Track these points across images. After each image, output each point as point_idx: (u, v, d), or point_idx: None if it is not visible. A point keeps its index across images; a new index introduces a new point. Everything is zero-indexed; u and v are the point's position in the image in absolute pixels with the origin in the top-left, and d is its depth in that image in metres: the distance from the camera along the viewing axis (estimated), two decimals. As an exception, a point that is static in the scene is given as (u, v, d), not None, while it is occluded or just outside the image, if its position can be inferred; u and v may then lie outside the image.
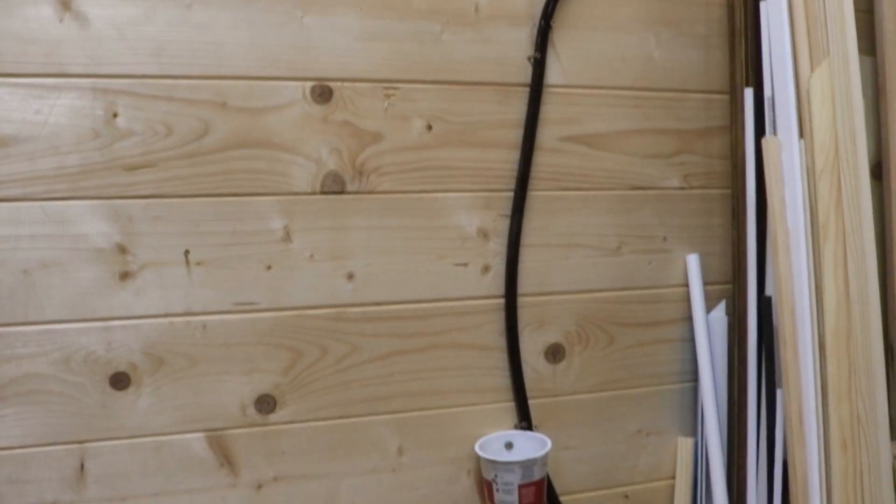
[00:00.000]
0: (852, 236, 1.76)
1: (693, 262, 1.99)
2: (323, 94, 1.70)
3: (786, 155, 1.80)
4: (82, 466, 1.62)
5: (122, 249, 1.61)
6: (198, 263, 1.66)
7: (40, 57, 1.55)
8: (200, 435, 1.69)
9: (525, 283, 1.86)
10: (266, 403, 1.71)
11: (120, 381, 1.63)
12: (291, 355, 1.72)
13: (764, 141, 1.83)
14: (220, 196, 1.66)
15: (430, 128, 1.77)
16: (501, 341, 1.86)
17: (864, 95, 1.79)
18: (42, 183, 1.56)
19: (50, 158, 1.57)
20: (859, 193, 1.77)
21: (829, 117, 1.77)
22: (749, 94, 1.93)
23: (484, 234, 1.83)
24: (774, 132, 1.84)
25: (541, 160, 1.86)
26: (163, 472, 1.67)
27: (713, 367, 1.96)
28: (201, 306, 1.66)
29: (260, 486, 1.73)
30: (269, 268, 1.69)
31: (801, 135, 1.79)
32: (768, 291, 1.90)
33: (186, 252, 1.65)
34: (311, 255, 1.71)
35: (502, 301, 1.85)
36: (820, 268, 1.77)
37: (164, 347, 1.65)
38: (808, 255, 1.78)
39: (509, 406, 1.88)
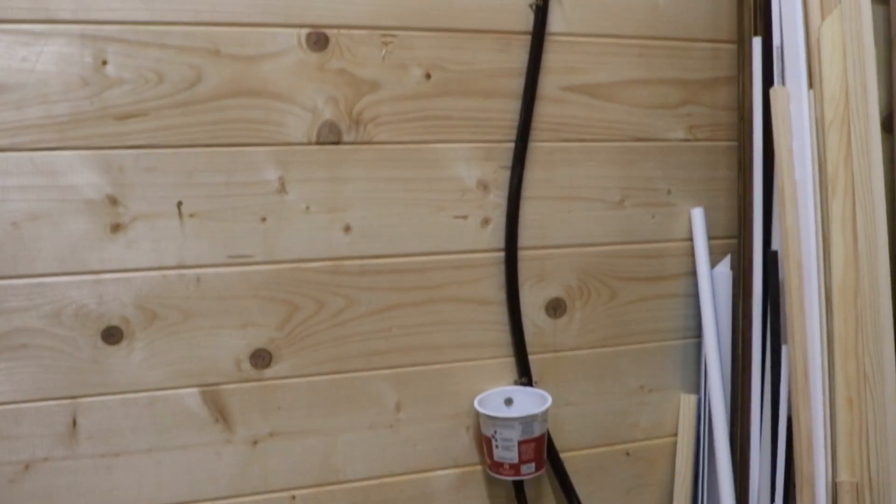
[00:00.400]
0: (861, 189, 1.73)
1: (697, 215, 1.96)
2: (318, 41, 1.66)
3: (794, 106, 1.77)
4: (74, 422, 1.60)
5: (113, 201, 1.58)
6: (191, 215, 1.62)
7: (26, 2, 1.51)
8: (194, 390, 1.66)
9: (525, 237, 1.83)
10: (261, 358, 1.69)
11: (112, 335, 1.61)
12: (287, 309, 1.69)
13: (772, 91, 1.80)
14: (213, 146, 1.62)
15: (428, 76, 1.73)
16: (501, 295, 1.83)
17: (876, 45, 1.76)
18: (30, 133, 1.53)
19: (38, 107, 1.53)
20: (869, 146, 1.74)
21: (839, 67, 1.74)
22: (757, 43, 1.89)
23: (484, 186, 1.79)
24: (783, 82, 1.81)
25: (542, 110, 1.82)
26: (156, 428, 1.65)
27: (717, 322, 1.94)
28: (195, 259, 1.63)
29: (255, 442, 1.71)
30: (263, 220, 1.66)
31: (811, 85, 1.76)
32: (774, 246, 1.88)
33: (179, 204, 1.62)
34: (307, 207, 1.68)
35: (502, 254, 1.82)
36: (828, 221, 1.75)
37: (156, 301, 1.62)
38: (815, 209, 1.76)
39: (509, 361, 1.86)
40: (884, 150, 1.76)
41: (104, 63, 1.55)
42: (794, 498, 1.82)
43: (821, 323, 1.76)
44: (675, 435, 2.02)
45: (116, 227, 1.59)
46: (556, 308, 1.88)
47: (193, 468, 1.68)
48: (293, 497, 1.75)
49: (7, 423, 1.57)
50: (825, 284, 1.76)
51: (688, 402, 2.01)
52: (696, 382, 2.02)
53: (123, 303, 1.60)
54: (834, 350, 1.75)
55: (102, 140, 1.56)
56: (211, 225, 1.63)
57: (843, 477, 1.74)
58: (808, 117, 1.75)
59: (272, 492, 1.73)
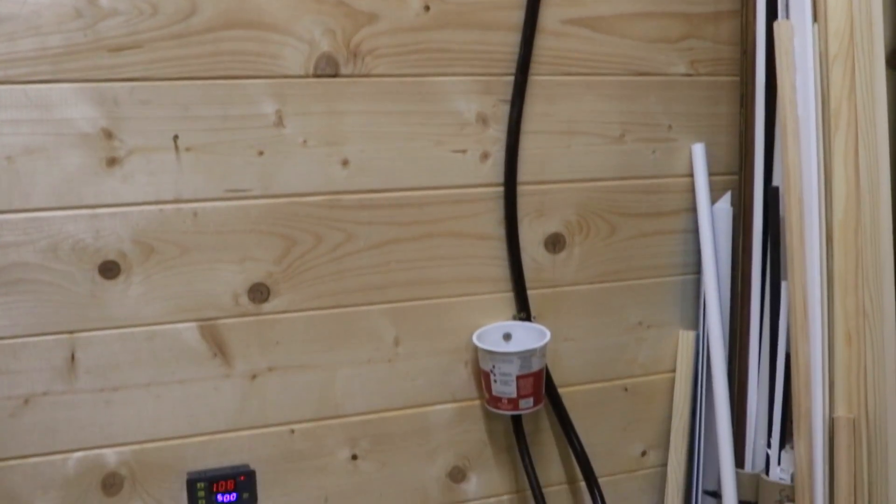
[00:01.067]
0: (865, 125, 1.72)
1: (698, 151, 1.94)
2: (315, -29, 1.64)
3: (798, 40, 1.75)
4: (73, 357, 1.60)
5: (109, 134, 1.56)
6: (187, 149, 1.61)
7: (17, -68, 1.49)
8: (193, 324, 1.66)
9: (525, 171, 1.82)
10: (259, 292, 1.68)
11: (109, 269, 1.60)
12: (285, 243, 1.68)
13: (776, 25, 1.78)
14: (209, 79, 1.60)
15: (427, 8, 1.71)
16: (500, 230, 1.82)
17: (882, -22, 1.74)
18: (23, 65, 1.50)
19: (31, 39, 1.50)
20: (873, 81, 1.72)
21: (844, 1, 1.71)
22: (761, -25, 1.86)
23: (483, 120, 1.77)
24: (787, 16, 1.79)
25: (542, 44, 1.80)
26: (155, 363, 1.65)
27: (717, 258, 1.93)
28: (191, 193, 1.62)
29: (254, 377, 1.71)
30: (260, 154, 1.64)
31: (815, 19, 1.74)
32: (775, 182, 1.87)
33: (175, 137, 1.60)
34: (305, 141, 1.67)
35: (501, 189, 1.81)
36: (830, 157, 1.74)
37: (153, 235, 1.61)
38: (818, 145, 1.75)
39: (508, 296, 1.85)
40: (888, 86, 1.74)
41: (98, -7, 1.53)
42: (791, 433, 1.83)
43: (821, 259, 1.76)
44: (674, 371, 2.03)
45: (112, 161, 1.57)
46: (555, 243, 1.87)
47: (192, 403, 1.68)
48: (292, 431, 1.75)
49: (6, 358, 1.57)
50: (826, 220, 1.75)
51: (686, 338, 2.00)
52: (695, 318, 2.02)
53: (120, 237, 1.59)
54: (833, 286, 1.75)
55: (97, 72, 1.54)
56: (208, 159, 1.62)
57: (841, 412, 1.75)
58: (811, 52, 1.74)
59: (271, 426, 1.74)
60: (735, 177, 1.98)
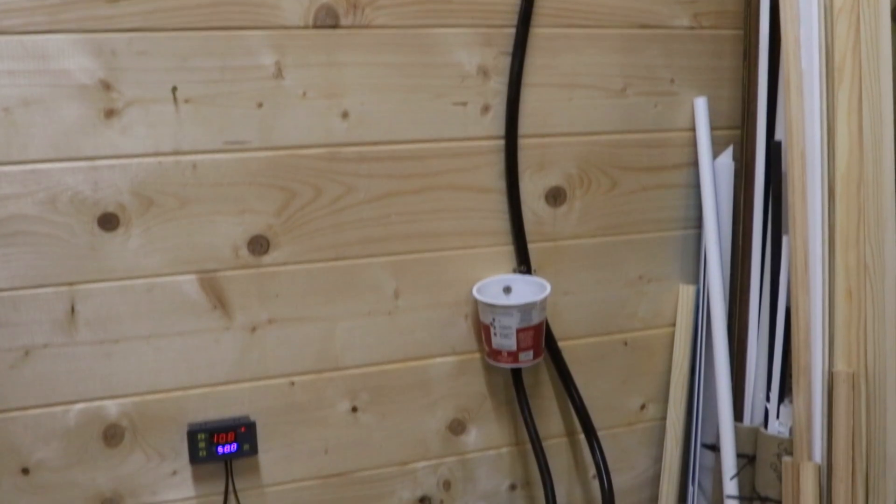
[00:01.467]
0: (868, 79, 1.71)
1: (701, 105, 1.93)
2: (315, -80, 1.62)
3: (802, -9, 1.73)
4: (73, 309, 1.60)
5: (107, 86, 1.55)
6: (186, 101, 1.59)
7: None
8: (192, 277, 1.66)
9: (526, 124, 1.81)
10: (259, 245, 1.68)
11: (108, 221, 1.59)
12: (284, 196, 1.67)
13: (780, -24, 1.75)
14: (207, 30, 1.59)
15: (428, -41, 1.69)
16: (501, 183, 1.81)
17: (888, -72, 1.72)
18: (20, 15, 1.49)
19: (27, -12, 1.49)
20: (878, 35, 1.71)
21: (849, -48, 1.70)
22: (766, -75, 1.84)
23: (484, 73, 1.76)
24: (791, -33, 1.76)
25: (545, -6, 1.79)
26: (155, 315, 1.65)
27: (718, 213, 1.93)
28: (190, 145, 1.61)
29: (254, 329, 1.71)
30: (260, 105, 1.63)
31: (820, -30, 1.72)
32: (778, 136, 1.86)
33: (174, 89, 1.59)
34: (304, 93, 1.65)
35: (502, 142, 1.80)
36: (833, 111, 1.73)
37: (153, 188, 1.60)
38: (821, 98, 1.74)
39: (508, 250, 1.85)
40: (892, 40, 1.72)
41: (94, -58, 1.51)
42: (790, 388, 1.83)
43: (822, 214, 1.75)
44: (673, 325, 2.03)
45: (110, 113, 1.56)
46: (555, 197, 1.86)
47: (192, 354, 1.69)
48: (292, 383, 1.76)
49: (5, 310, 1.57)
50: (828, 175, 1.74)
51: (686, 292, 2.00)
52: (696, 273, 2.01)
53: (119, 189, 1.59)
54: (835, 241, 1.75)
55: (94, 23, 1.53)
56: (206, 111, 1.61)
57: (840, 367, 1.75)
58: (816, 5, 1.72)
59: (271, 378, 1.74)
60: (737, 131, 1.97)
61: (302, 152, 1.67)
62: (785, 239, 1.82)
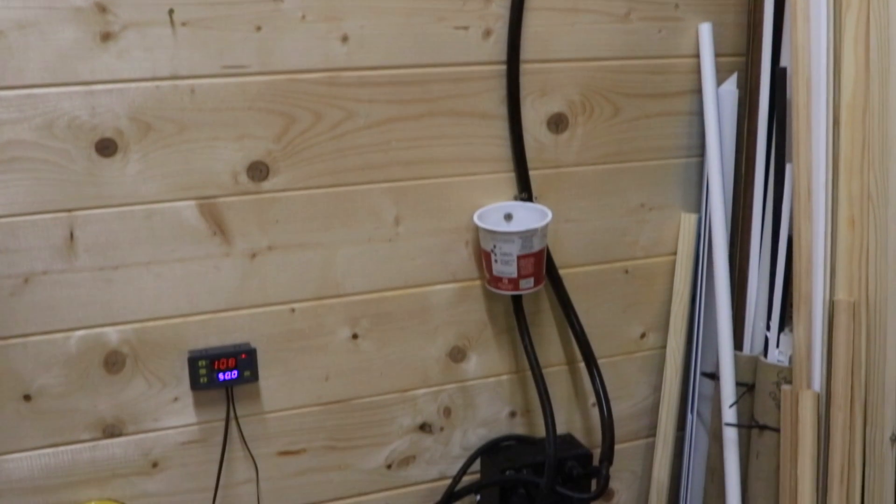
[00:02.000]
0: (877, 4, 1.69)
1: (705, 31, 1.90)
2: None
3: (811, -87, 1.69)
4: (72, 235, 1.59)
5: (102, 8, 1.52)
6: (183, 24, 1.57)
7: None
8: (192, 203, 1.65)
9: (528, 50, 1.78)
10: (258, 171, 1.66)
11: (106, 147, 1.58)
12: (284, 121, 1.66)
13: None
14: (203, -51, 1.56)
15: None
16: (502, 109, 1.80)
17: None
18: (12, -65, 1.47)
19: None
20: (887, -42, 1.68)
21: None
22: None
23: (486, -4, 1.74)
24: None
25: (548, -84, 1.75)
26: (154, 241, 1.64)
27: (721, 141, 1.91)
28: (188, 69, 1.59)
29: (254, 255, 1.70)
30: (258, 29, 1.60)
31: None
32: (783, 63, 1.83)
33: (171, 11, 1.56)
34: (303, 16, 1.63)
35: (504, 67, 1.77)
36: (840, 37, 1.71)
37: (150, 113, 1.58)
38: (828, 24, 1.72)
39: (509, 176, 1.84)
40: (901, -37, 1.70)
41: None
42: (790, 317, 1.84)
43: (826, 142, 1.74)
44: (675, 253, 2.03)
45: (107, 37, 1.54)
46: (557, 123, 1.85)
47: (192, 281, 1.68)
48: (292, 310, 1.76)
49: (4, 237, 1.56)
50: (833, 102, 1.73)
51: (688, 220, 2.00)
52: (697, 201, 2.00)
53: (117, 114, 1.57)
54: (839, 169, 1.74)
55: (88, -57, 1.50)
56: (204, 34, 1.58)
57: (841, 296, 1.75)
58: (824, -74, 1.69)
59: (271, 305, 1.74)
60: (742, 58, 1.94)
61: (301, 77, 1.65)
62: (788, 167, 1.81)
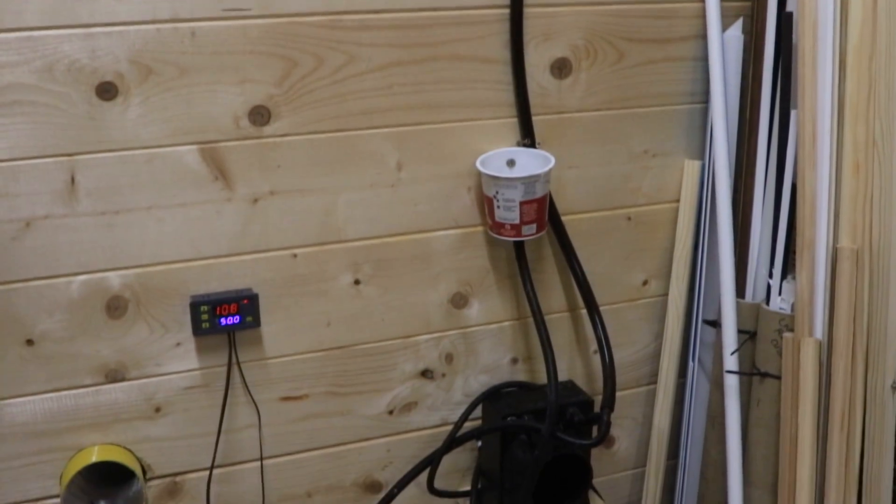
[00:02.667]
0: (884, -54, 1.67)
1: (711, -25, 1.88)
2: None
3: None
4: (73, 179, 1.59)
5: (101, -52, 1.51)
6: (183, -35, 1.56)
7: None
8: (193, 147, 1.64)
9: (532, -8, 1.77)
10: (260, 115, 1.65)
11: (107, 91, 1.56)
12: (285, 65, 1.64)
13: None
14: None
15: None
16: (505, 54, 1.78)
17: None
18: None
19: None
20: None
21: None
22: None
23: (489, -63, 1.72)
24: None
25: None
26: (156, 186, 1.64)
27: (725, 87, 1.89)
28: (188, 12, 1.57)
29: (256, 201, 1.70)
30: (259, -30, 1.59)
31: None
32: (790, 7, 1.81)
33: (171, -48, 1.55)
34: (304, -42, 1.61)
35: (507, 11, 1.75)
36: (847, -21, 1.68)
37: (151, 56, 1.57)
38: (834, -33, 1.70)
39: (512, 122, 1.82)
40: None
41: None
42: (793, 264, 1.83)
43: (832, 87, 1.73)
44: (678, 200, 2.02)
45: (106, -23, 1.53)
46: (561, 68, 1.83)
47: (194, 226, 1.68)
48: (294, 255, 1.75)
49: (5, 181, 1.55)
50: (840, 46, 1.71)
51: (692, 167, 1.99)
52: (701, 148, 1.99)
53: (117, 57, 1.55)
54: (844, 115, 1.73)
55: None
56: (205, -25, 1.57)
57: (844, 243, 1.75)
58: None
59: (273, 250, 1.74)
60: (748, 2, 1.92)
61: (303, 20, 1.63)
62: (793, 113, 1.80)
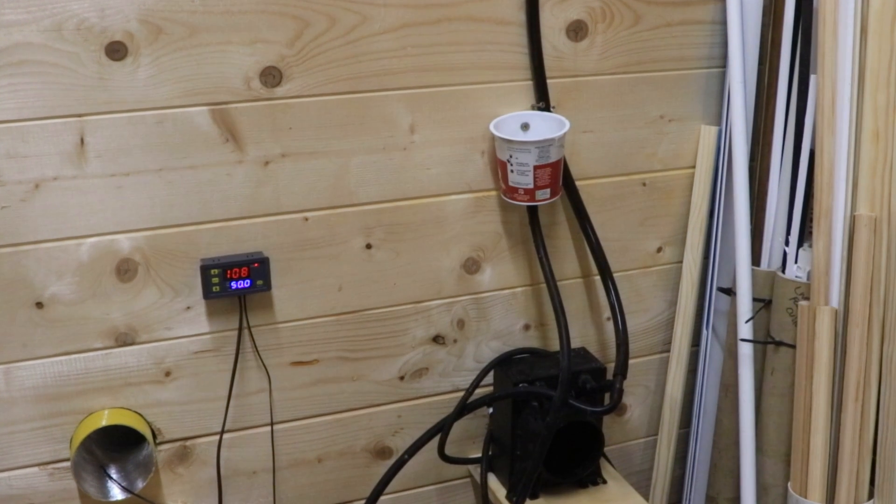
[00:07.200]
0: None
1: (731, -64, 1.85)
2: None
3: None
4: (82, 141, 1.57)
5: None
6: (192, -74, 1.53)
7: None
8: (204, 108, 1.62)
9: (548, -47, 1.74)
10: (271, 76, 1.63)
11: (116, 51, 1.54)
12: (297, 25, 1.62)
13: None
14: None
15: None
16: (520, 16, 1.75)
17: None
18: None
19: None
20: None
21: None
22: None
23: None
24: None
25: None
26: (166, 147, 1.62)
27: (744, 51, 1.87)
28: (199, -30, 1.55)
29: (267, 163, 1.68)
30: (270, -72, 1.57)
31: None
32: (811, -31, 1.78)
33: None
34: (317, -84, 1.58)
35: (523, -29, 1.73)
36: (870, -59, 1.65)
37: (161, 15, 1.55)
38: (858, -72, 1.66)
39: (527, 85, 1.80)
40: None
41: None
42: (809, 232, 1.82)
43: (853, 52, 1.70)
44: (693, 167, 2.00)
45: (115, -65, 1.50)
46: (577, 31, 1.80)
47: (205, 188, 1.66)
48: (305, 219, 1.74)
49: (14, 142, 1.54)
50: (861, 11, 1.69)
51: (708, 133, 1.96)
52: (718, 113, 1.97)
53: (126, 16, 1.53)
54: (865, 81, 1.70)
55: None
56: (214, -65, 1.55)
57: (862, 211, 1.73)
58: None
59: (284, 213, 1.72)
60: (768, -35, 1.90)
61: (315, -21, 1.61)
62: (812, 78, 1.77)
